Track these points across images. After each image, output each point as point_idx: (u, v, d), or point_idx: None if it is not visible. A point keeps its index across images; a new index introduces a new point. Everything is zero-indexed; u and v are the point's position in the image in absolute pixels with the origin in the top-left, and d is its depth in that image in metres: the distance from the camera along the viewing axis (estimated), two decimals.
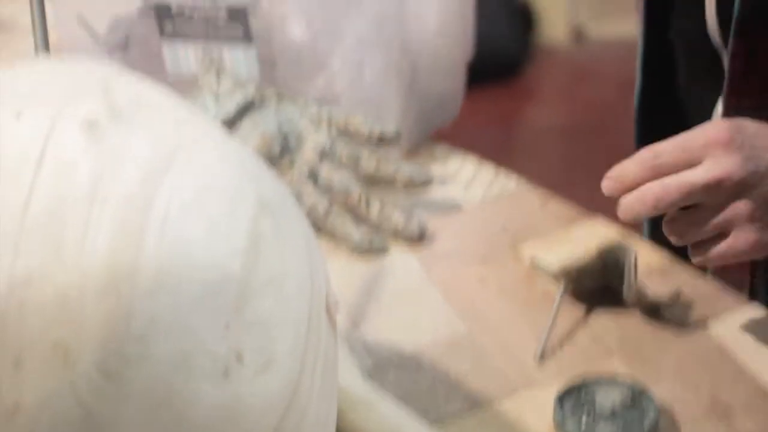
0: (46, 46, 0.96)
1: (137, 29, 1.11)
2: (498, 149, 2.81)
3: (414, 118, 1.08)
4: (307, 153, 1.00)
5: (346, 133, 1.00)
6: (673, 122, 0.99)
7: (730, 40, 0.88)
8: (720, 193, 0.75)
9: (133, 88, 0.67)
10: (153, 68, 1.10)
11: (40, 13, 0.95)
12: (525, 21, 3.19)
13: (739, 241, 0.76)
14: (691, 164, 0.75)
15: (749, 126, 0.78)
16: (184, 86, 1.09)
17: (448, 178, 1.06)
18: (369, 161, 0.99)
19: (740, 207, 0.76)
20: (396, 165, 0.99)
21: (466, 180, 1.06)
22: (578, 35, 3.24)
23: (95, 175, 0.60)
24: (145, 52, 1.11)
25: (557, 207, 1.01)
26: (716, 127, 0.77)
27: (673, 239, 0.78)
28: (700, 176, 0.75)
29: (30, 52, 1.34)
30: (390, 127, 1.00)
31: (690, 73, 1.01)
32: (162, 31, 1.07)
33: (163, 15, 1.06)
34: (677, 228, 0.77)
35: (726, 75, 0.89)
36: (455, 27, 1.11)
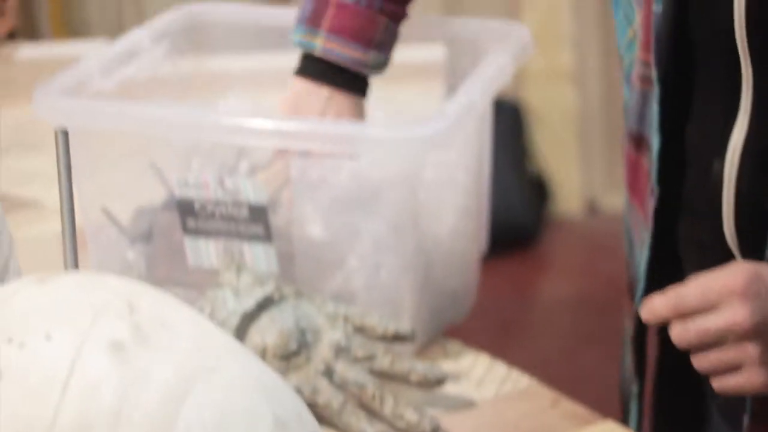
0: (74, 238, 0.99)
1: (160, 221, 1.15)
2: (511, 320, 2.83)
3: (428, 315, 1.11)
4: (324, 349, 1.02)
5: (361, 330, 1.03)
6: None
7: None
8: (732, 337, 0.84)
9: (157, 308, 0.70)
10: (175, 260, 1.14)
11: (68, 206, 0.98)
12: (539, 193, 3.24)
13: (751, 379, 0.86)
14: (709, 308, 0.85)
15: (765, 270, 0.86)
16: (205, 277, 1.12)
17: (461, 375, 1.08)
18: (383, 359, 1.01)
19: (750, 350, 0.85)
20: (410, 363, 1.01)
21: (479, 377, 1.08)
22: (592, 208, 3.29)
23: (120, 396, 0.63)
24: (168, 244, 1.14)
25: (569, 407, 1.02)
26: (734, 273, 0.86)
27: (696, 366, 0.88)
28: (713, 322, 0.85)
29: (55, 233, 1.38)
30: (405, 325, 1.02)
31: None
32: (185, 228, 1.10)
33: (185, 211, 1.09)
34: (697, 361, 0.87)
35: None
36: (470, 225, 1.14)
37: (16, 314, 0.67)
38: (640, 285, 1.05)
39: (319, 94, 1.12)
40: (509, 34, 1.18)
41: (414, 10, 1.24)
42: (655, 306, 0.88)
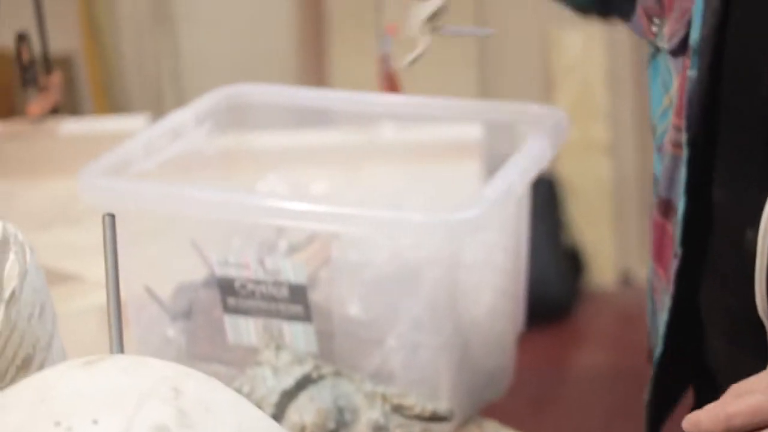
0: (119, 320, 1.01)
1: (200, 298, 1.16)
2: (546, 394, 2.82)
3: (465, 394, 1.12)
4: (362, 428, 1.03)
5: (399, 409, 1.04)
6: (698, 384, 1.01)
7: None
8: None
9: (202, 392, 0.71)
10: (214, 337, 1.15)
11: (114, 288, 1.00)
12: (574, 265, 3.25)
13: None
14: (761, 428, 0.79)
15: None
16: (245, 355, 1.13)
17: None
18: None
19: None
20: None
21: None
22: (626, 279, 3.29)
23: None
24: (208, 322, 1.15)
25: None
26: None
27: None
28: None
29: (96, 307, 1.40)
30: (443, 405, 1.03)
31: (729, 341, 1.03)
32: (225, 306, 1.12)
33: (226, 290, 1.11)
34: None
35: None
36: (507, 305, 1.15)
37: (64, 398, 0.69)
38: (659, 349, 1.05)
39: None
40: (545, 117, 1.19)
41: (452, 90, 1.26)
42: (702, 423, 0.81)
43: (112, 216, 0.98)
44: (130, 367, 0.72)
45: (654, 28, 1.04)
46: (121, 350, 1.00)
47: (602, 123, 3.23)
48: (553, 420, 2.62)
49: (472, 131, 1.56)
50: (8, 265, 0.98)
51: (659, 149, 1.06)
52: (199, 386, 0.71)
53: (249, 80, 1.38)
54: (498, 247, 1.13)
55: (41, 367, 1.00)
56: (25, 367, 0.99)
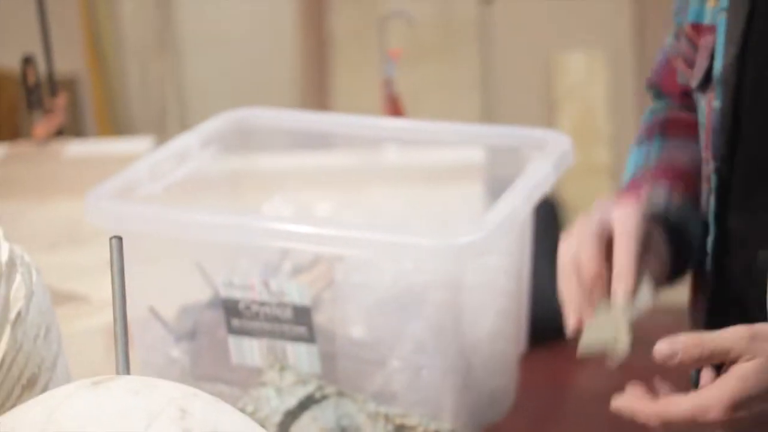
0: (126, 341, 1.02)
1: (205, 319, 1.17)
2: (546, 413, 2.82)
3: (467, 415, 1.12)
4: None
5: (401, 429, 1.04)
6: None
7: None
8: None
9: (209, 413, 0.71)
10: (219, 357, 1.16)
11: (121, 310, 1.01)
12: None
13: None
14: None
15: None
16: (248, 375, 1.14)
17: None
18: None
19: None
20: None
21: None
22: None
23: None
24: (212, 342, 1.16)
25: None
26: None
27: None
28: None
29: (100, 328, 1.41)
30: (445, 425, 1.04)
31: None
32: (229, 327, 1.13)
33: (230, 311, 1.12)
34: None
35: None
36: (509, 327, 1.16)
37: (71, 419, 0.69)
38: (693, 377, 1.06)
39: None
40: (549, 141, 1.20)
41: (456, 115, 1.27)
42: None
43: (120, 239, 0.99)
44: (137, 388, 0.73)
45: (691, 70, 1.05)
46: (128, 371, 1.01)
47: (604, 146, 3.24)
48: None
49: (475, 155, 1.57)
50: (15, 286, 0.99)
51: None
52: (206, 407, 0.72)
53: (252, 104, 1.39)
54: (501, 270, 1.14)
55: (46, 387, 1.01)
56: (30, 386, 1.00)
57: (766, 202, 0.97)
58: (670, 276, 1.05)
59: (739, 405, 0.85)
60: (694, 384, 1.06)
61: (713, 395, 0.87)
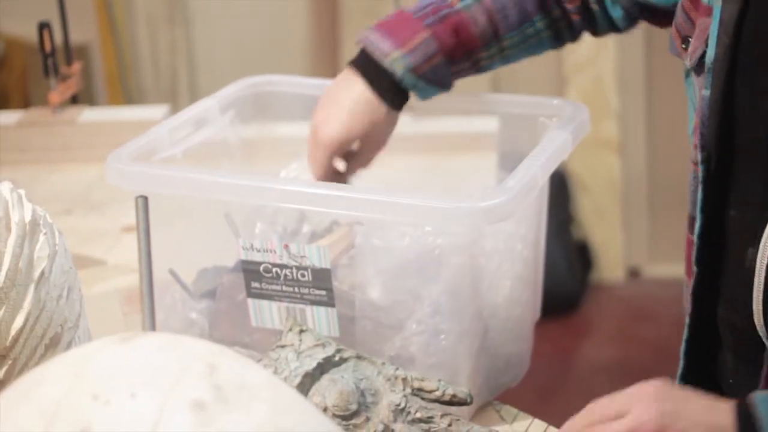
0: (152, 300, 1.03)
1: (224, 281, 1.18)
2: (553, 385, 2.84)
3: (483, 379, 1.14)
4: (383, 410, 1.05)
5: (419, 392, 1.06)
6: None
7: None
8: None
9: (236, 369, 0.73)
10: (237, 320, 1.17)
11: (147, 268, 1.02)
12: (583, 260, 3.27)
13: None
14: (619, 415, 0.88)
15: (686, 389, 0.90)
16: (266, 338, 1.15)
17: None
18: (441, 421, 1.04)
19: None
20: (468, 426, 1.04)
21: None
22: (634, 275, 3.31)
23: None
24: (231, 304, 1.17)
25: None
26: (647, 383, 0.90)
27: None
28: (619, 426, 0.88)
29: (117, 291, 1.42)
30: (462, 388, 1.05)
31: (735, 357, 1.04)
32: (249, 290, 1.14)
33: (250, 274, 1.13)
34: None
35: (764, 367, 0.94)
36: (526, 293, 1.17)
37: (101, 372, 0.70)
38: (680, 365, 1.07)
39: (349, 80, 1.20)
40: (567, 110, 1.21)
41: (465, 87, 1.28)
42: (572, 426, 0.93)
43: (145, 198, 1.01)
44: (165, 344, 0.74)
45: (684, 46, 1.05)
46: (153, 328, 1.02)
47: (613, 121, 3.24)
48: (560, 409, 2.64)
49: (489, 124, 1.58)
50: (38, 246, 1.00)
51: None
52: (234, 363, 0.73)
53: (263, 72, 1.40)
54: (518, 237, 1.15)
55: (69, 346, 1.02)
56: (53, 345, 1.01)
57: (756, 197, 0.97)
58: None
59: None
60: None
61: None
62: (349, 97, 1.19)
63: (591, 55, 3.22)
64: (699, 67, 1.01)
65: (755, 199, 0.96)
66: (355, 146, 1.22)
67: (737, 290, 0.99)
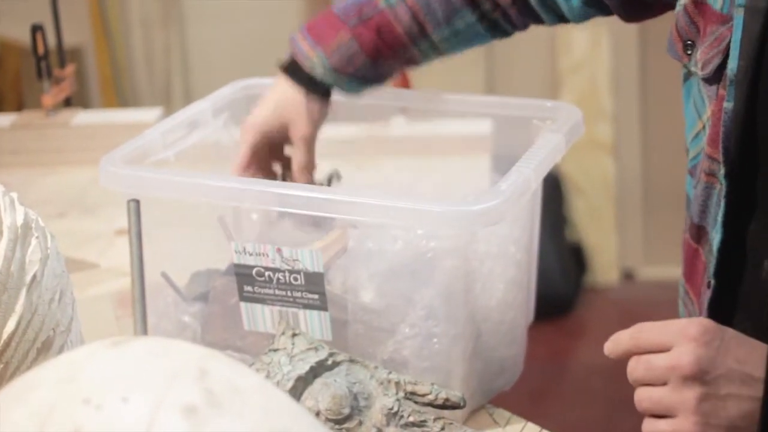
0: (143, 304, 1.03)
1: (218, 285, 1.18)
2: (547, 387, 2.85)
3: (476, 382, 1.14)
4: (376, 414, 1.05)
5: (412, 396, 1.05)
6: None
7: None
8: (674, 378, 0.87)
9: (228, 373, 0.72)
10: (230, 324, 1.17)
11: (139, 272, 1.02)
12: (577, 262, 3.27)
13: (682, 426, 0.87)
14: (664, 347, 0.88)
15: (729, 332, 0.88)
16: (259, 341, 1.15)
17: None
18: (434, 425, 1.04)
19: (687, 396, 0.87)
20: (461, 429, 1.03)
21: None
22: (628, 277, 3.31)
23: None
24: (223, 308, 1.17)
25: None
26: (694, 321, 0.88)
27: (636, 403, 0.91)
28: (660, 360, 0.87)
29: (109, 294, 1.42)
30: (455, 392, 1.05)
31: None
32: (241, 294, 1.14)
33: (243, 278, 1.13)
34: (638, 396, 0.90)
35: None
36: (519, 296, 1.17)
37: (93, 377, 0.70)
38: None
39: (278, 80, 1.29)
40: (559, 113, 1.21)
41: (460, 88, 1.28)
42: (620, 338, 0.92)
43: (137, 201, 1.00)
44: (157, 348, 0.73)
45: (689, 51, 1.03)
46: (145, 332, 1.02)
47: (607, 123, 3.25)
48: (555, 412, 2.65)
49: (482, 126, 1.58)
50: (30, 250, 1.00)
51: (691, 173, 1.06)
52: (225, 367, 0.73)
53: (257, 75, 1.40)
54: (511, 240, 1.15)
55: (61, 350, 1.02)
56: (45, 349, 1.01)
57: None
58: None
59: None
60: None
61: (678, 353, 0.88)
62: (276, 92, 1.27)
63: (585, 56, 3.23)
64: (715, 77, 1.00)
65: None
66: (288, 147, 1.30)
67: (753, 301, 0.98)
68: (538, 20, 1.25)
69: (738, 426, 0.87)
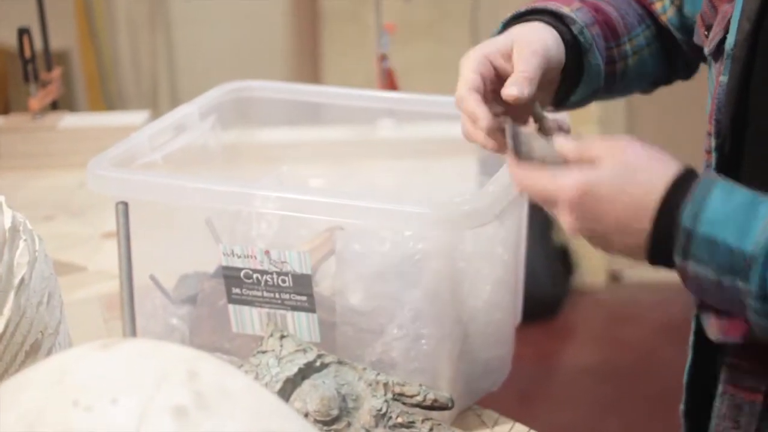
0: (132, 306, 1.03)
1: (206, 288, 1.18)
2: (535, 388, 2.85)
3: (464, 384, 1.14)
4: (364, 415, 1.05)
5: (401, 397, 1.06)
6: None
7: None
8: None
9: (217, 375, 0.73)
10: (218, 326, 1.17)
11: (127, 274, 1.03)
12: (564, 264, 3.28)
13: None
14: (584, 159, 0.90)
15: (639, 163, 0.88)
16: (247, 343, 1.15)
17: None
18: (422, 426, 1.04)
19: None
20: (449, 431, 1.04)
21: None
22: (615, 279, 3.32)
23: None
24: (212, 311, 1.17)
25: None
26: (625, 142, 0.89)
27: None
28: (549, 182, 0.90)
29: (97, 297, 1.42)
30: (443, 393, 1.05)
31: (737, 357, 1.02)
32: (230, 296, 1.14)
33: (231, 280, 1.13)
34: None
35: None
36: (506, 297, 1.18)
37: (82, 378, 0.70)
38: (688, 358, 1.07)
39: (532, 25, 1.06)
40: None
41: (446, 93, 1.28)
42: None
43: (125, 204, 1.01)
44: (146, 350, 0.73)
45: (707, 33, 1.04)
46: (134, 334, 1.02)
47: (593, 125, 3.25)
48: (543, 413, 2.66)
49: None
50: (18, 253, 1.00)
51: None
52: (214, 369, 0.73)
53: (244, 77, 1.40)
54: (498, 241, 1.16)
55: (49, 353, 1.02)
56: (33, 352, 1.01)
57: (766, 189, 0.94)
58: (561, 100, 1.08)
59: (586, 192, 0.88)
60: (693, 349, 1.08)
61: (569, 176, 0.89)
62: (544, 32, 1.04)
63: None
64: (717, 53, 1.01)
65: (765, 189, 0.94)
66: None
67: None
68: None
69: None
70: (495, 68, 1.01)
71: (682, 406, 1.10)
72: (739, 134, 0.98)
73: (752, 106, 0.97)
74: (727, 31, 0.99)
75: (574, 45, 1.06)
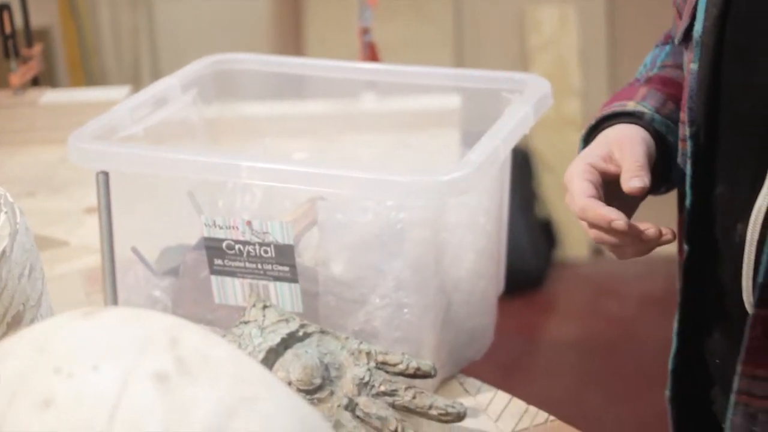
0: (113, 275, 1.03)
1: (188, 260, 1.18)
2: (517, 360, 2.87)
3: (447, 353, 1.14)
4: (347, 384, 1.05)
5: (383, 366, 1.06)
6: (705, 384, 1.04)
7: (753, 309, 0.93)
8: None
9: (198, 342, 0.73)
10: (201, 297, 1.17)
11: (108, 245, 1.02)
12: (547, 237, 3.29)
13: None
14: None
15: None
16: (230, 314, 1.15)
17: (480, 411, 1.11)
18: (405, 394, 1.04)
19: None
20: (431, 398, 1.04)
21: (497, 413, 1.11)
22: (597, 252, 3.33)
23: (165, 426, 0.65)
24: (194, 282, 1.17)
25: None
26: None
27: None
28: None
29: (79, 271, 1.42)
30: (426, 361, 1.05)
31: (722, 337, 1.03)
32: (212, 267, 1.14)
33: (213, 251, 1.13)
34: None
35: (744, 342, 0.94)
36: (489, 267, 1.18)
37: (63, 346, 0.70)
38: (673, 346, 1.07)
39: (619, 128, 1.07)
40: (527, 85, 1.21)
41: (428, 64, 1.28)
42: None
43: (106, 174, 1.01)
44: (129, 318, 0.73)
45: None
46: (115, 303, 1.02)
47: (576, 99, 3.26)
48: (525, 385, 2.67)
49: (451, 101, 1.58)
50: None
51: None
52: (196, 336, 0.73)
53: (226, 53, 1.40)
54: (480, 210, 1.16)
55: (31, 324, 1.02)
56: (15, 324, 1.01)
57: (746, 172, 0.95)
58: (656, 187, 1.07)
59: None
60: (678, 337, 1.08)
61: None
62: (630, 127, 1.06)
63: (553, 33, 3.24)
64: (686, 40, 1.00)
65: (745, 175, 0.95)
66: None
67: (727, 266, 0.98)
68: None
69: None
70: (601, 173, 1.02)
71: (667, 392, 1.09)
72: (713, 122, 0.97)
73: (724, 92, 0.96)
74: (694, 18, 0.97)
75: (654, 132, 1.06)
